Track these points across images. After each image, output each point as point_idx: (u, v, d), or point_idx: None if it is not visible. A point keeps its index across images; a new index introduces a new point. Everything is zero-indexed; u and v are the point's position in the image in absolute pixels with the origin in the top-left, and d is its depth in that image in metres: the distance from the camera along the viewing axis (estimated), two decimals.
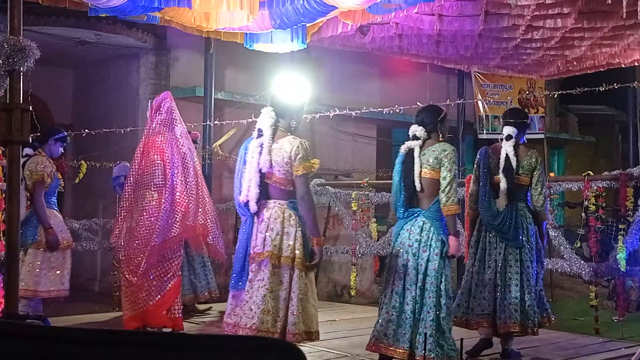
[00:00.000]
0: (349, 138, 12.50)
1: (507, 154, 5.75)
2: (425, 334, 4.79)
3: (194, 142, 7.91)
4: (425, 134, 5.12)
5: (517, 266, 5.59)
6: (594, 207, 7.05)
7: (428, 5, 7.87)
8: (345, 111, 8.86)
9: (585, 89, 7.67)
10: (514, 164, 5.72)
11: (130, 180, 5.96)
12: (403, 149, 5.17)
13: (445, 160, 4.99)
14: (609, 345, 6.20)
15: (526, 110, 12.95)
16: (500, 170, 5.75)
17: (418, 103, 8.04)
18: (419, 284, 4.90)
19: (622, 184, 6.85)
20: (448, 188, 4.93)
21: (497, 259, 5.65)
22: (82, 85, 11.63)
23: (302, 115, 5.14)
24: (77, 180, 9.12)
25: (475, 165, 5.98)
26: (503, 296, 5.56)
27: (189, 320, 7.55)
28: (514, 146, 5.77)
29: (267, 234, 4.56)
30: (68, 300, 7.34)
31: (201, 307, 8.02)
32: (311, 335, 4.64)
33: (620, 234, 6.88)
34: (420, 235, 4.97)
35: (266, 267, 4.51)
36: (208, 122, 9.62)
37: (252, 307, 4.45)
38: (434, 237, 4.96)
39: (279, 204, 4.65)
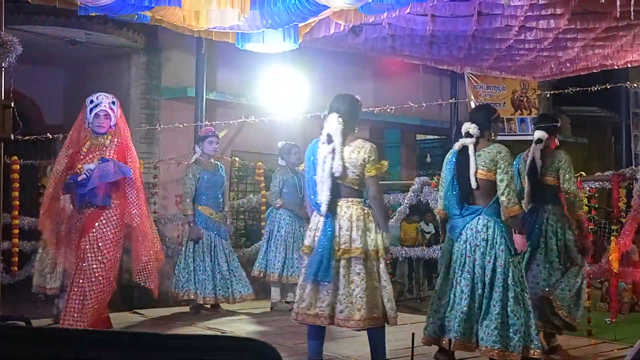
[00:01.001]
0: None
1: (533, 157, 5.96)
2: (492, 327, 5.00)
3: (207, 136, 7.98)
4: (479, 132, 5.25)
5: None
6: (587, 208, 7.03)
7: (420, 6, 7.85)
8: None
9: (578, 89, 7.66)
10: (538, 166, 5.91)
11: None
12: (457, 146, 5.33)
13: (501, 162, 5.14)
14: (602, 347, 6.17)
15: (519, 111, 12.99)
16: (525, 173, 6.00)
17: (410, 103, 8.04)
18: (487, 281, 5.08)
19: (614, 185, 6.84)
20: (507, 190, 5.10)
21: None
22: (73, 85, 11.57)
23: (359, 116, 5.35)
24: None
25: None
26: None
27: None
28: (542, 150, 5.99)
29: (352, 232, 4.90)
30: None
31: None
32: (395, 320, 5.07)
33: (613, 235, 6.86)
34: (486, 234, 5.12)
35: (359, 262, 4.88)
36: (199, 123, 9.57)
37: (354, 301, 4.83)
38: (498, 234, 5.12)
39: (356, 202, 4.98)
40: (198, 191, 7.85)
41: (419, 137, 14.92)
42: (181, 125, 8.96)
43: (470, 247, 5.14)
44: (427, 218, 12.02)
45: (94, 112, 5.80)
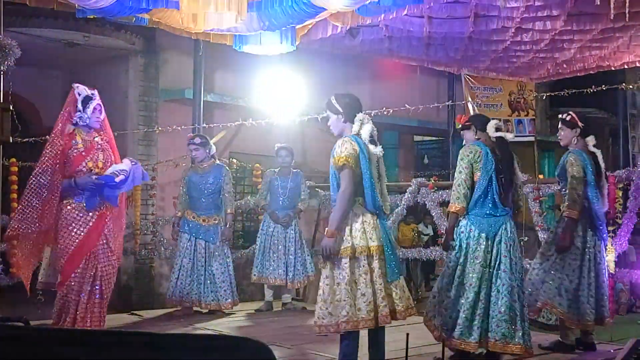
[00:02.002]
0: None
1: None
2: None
3: (191, 142, 7.96)
4: None
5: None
6: None
7: (417, 8, 7.87)
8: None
9: (574, 91, 7.68)
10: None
11: None
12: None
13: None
14: (598, 347, 6.18)
15: (516, 113, 13.01)
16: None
17: (406, 105, 8.06)
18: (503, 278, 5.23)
19: (611, 186, 6.85)
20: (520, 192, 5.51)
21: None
22: (71, 87, 11.58)
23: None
24: None
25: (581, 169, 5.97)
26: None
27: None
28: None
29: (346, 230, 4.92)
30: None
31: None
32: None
33: (609, 236, 6.87)
34: (513, 234, 5.32)
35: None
36: (197, 125, 9.58)
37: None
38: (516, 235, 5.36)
39: None
40: (187, 194, 7.90)
41: (417, 138, 14.93)
42: (179, 128, 8.96)
43: (506, 248, 5.26)
44: (426, 220, 12.03)
45: (91, 105, 5.46)
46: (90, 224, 5.32)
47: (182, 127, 9.05)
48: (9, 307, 6.82)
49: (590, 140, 6.13)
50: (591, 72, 10.86)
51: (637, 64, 10.64)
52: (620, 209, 7.05)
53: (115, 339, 1.61)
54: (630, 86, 8.37)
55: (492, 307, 5.19)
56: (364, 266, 4.80)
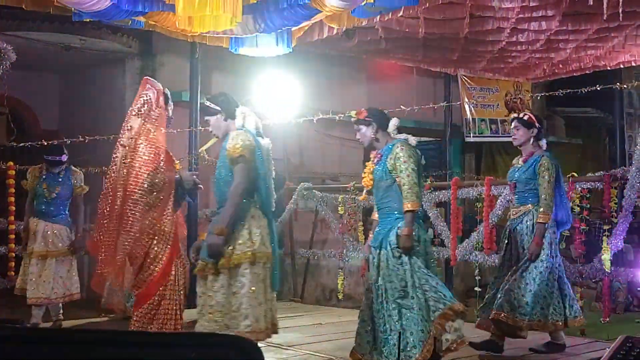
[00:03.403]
0: (335, 142, 12.51)
1: None
2: None
3: None
4: None
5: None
6: (579, 208, 7.08)
7: (413, 9, 7.89)
8: (329, 115, 8.87)
9: (569, 91, 7.70)
10: None
11: None
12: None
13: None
14: (594, 346, 6.22)
15: (512, 113, 13.02)
16: None
17: (402, 107, 8.08)
18: None
19: (606, 185, 6.88)
20: None
21: None
22: (68, 91, 11.60)
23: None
24: None
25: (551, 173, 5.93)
26: None
27: None
28: None
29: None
30: (79, 305, 7.45)
31: None
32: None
33: (605, 235, 6.90)
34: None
35: None
36: (194, 127, 9.60)
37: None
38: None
39: None
40: None
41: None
42: (175, 131, 8.97)
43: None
44: (426, 224, 11.98)
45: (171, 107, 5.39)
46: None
47: (179, 129, 9.06)
48: (6, 310, 6.84)
49: (544, 142, 6.06)
50: (587, 72, 10.87)
51: (633, 64, 10.67)
52: (616, 208, 7.07)
53: (107, 338, 1.63)
54: (625, 85, 8.38)
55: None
56: (262, 274, 4.53)
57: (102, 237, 4.76)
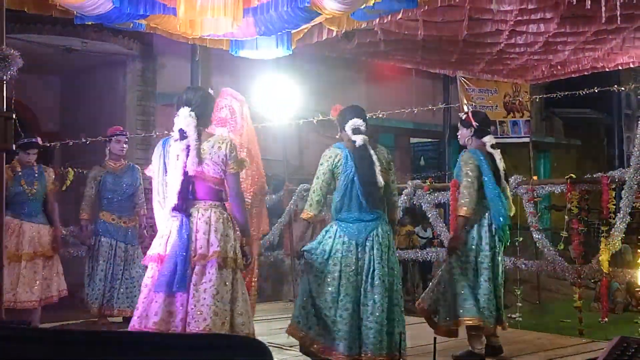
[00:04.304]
0: (334, 143, 12.53)
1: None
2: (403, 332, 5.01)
3: (113, 135, 7.79)
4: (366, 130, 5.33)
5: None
6: (577, 209, 7.12)
7: (412, 11, 7.93)
8: (329, 117, 8.90)
9: (567, 93, 7.75)
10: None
11: None
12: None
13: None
14: (592, 346, 6.26)
15: (511, 114, 13.08)
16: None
17: (402, 109, 8.13)
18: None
19: (604, 186, 6.92)
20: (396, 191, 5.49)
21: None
22: (69, 93, 11.64)
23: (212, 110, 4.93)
24: (64, 187, 9.13)
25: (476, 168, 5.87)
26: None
27: None
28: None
29: (210, 235, 4.45)
30: (56, 307, 7.38)
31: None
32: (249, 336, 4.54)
33: (603, 236, 6.94)
34: (385, 238, 5.10)
35: (212, 269, 4.40)
36: None
37: (202, 310, 4.33)
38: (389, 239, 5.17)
39: (215, 204, 4.56)
40: (100, 195, 7.66)
41: (413, 140, 14.99)
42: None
43: (379, 254, 4.99)
44: (424, 224, 12.05)
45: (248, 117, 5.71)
46: None
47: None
48: (10, 312, 6.85)
49: (488, 140, 6.04)
50: (585, 73, 10.93)
51: (631, 65, 10.72)
52: (614, 209, 7.11)
53: (114, 339, 1.66)
54: (623, 88, 8.42)
55: (367, 317, 4.90)
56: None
57: None
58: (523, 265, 7.73)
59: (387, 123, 11.52)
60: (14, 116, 4.13)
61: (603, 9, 6.34)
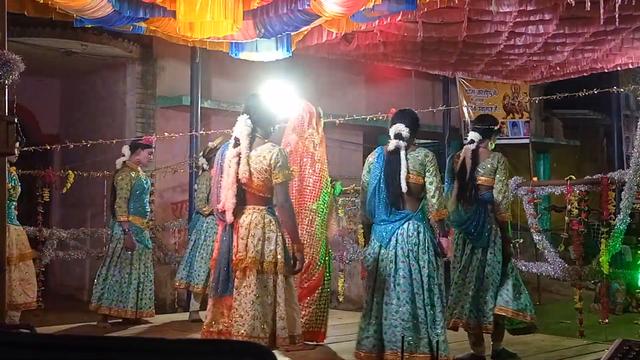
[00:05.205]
0: (335, 145, 12.54)
1: (464, 158, 5.87)
2: (438, 334, 4.84)
3: (147, 146, 7.79)
4: (409, 135, 5.17)
5: (478, 267, 5.67)
6: (577, 210, 7.13)
7: (411, 13, 7.95)
8: (329, 118, 8.91)
9: (566, 94, 7.76)
10: (468, 167, 5.82)
11: None
12: (388, 148, 5.25)
13: (429, 165, 5.09)
14: (592, 347, 6.26)
15: (510, 115, 13.09)
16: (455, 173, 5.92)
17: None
18: (425, 287, 4.93)
19: (603, 187, 6.93)
20: (437, 193, 5.05)
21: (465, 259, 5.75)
22: (69, 95, 11.65)
23: (276, 120, 5.11)
24: (64, 190, 9.16)
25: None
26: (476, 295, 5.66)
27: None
28: (472, 150, 5.88)
29: (248, 239, 4.58)
30: (56, 310, 7.39)
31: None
32: (295, 339, 4.71)
33: (603, 237, 6.95)
34: (413, 237, 4.99)
35: (251, 273, 4.53)
36: (195, 131, 9.65)
37: (242, 314, 4.48)
38: (428, 239, 5.02)
39: (258, 209, 4.67)
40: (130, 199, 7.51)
41: None
42: (177, 135, 9.02)
43: (403, 252, 4.96)
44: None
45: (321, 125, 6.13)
46: None
47: (180, 133, 9.11)
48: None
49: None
50: (584, 74, 10.94)
51: (630, 66, 10.73)
52: (614, 210, 7.12)
53: (117, 344, 1.66)
54: (622, 89, 8.44)
55: (392, 316, 4.89)
56: None
57: None
58: (523, 267, 7.73)
59: (386, 125, 11.43)
60: (15, 120, 4.14)
61: (602, 10, 6.36)
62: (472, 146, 5.90)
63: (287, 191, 4.77)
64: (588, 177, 7.23)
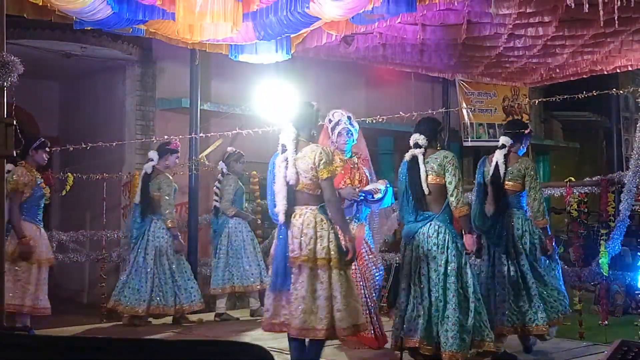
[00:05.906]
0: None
1: (496, 162, 5.91)
2: (452, 332, 5.23)
3: (175, 151, 8.02)
4: (426, 142, 5.57)
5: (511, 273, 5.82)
6: (576, 212, 7.13)
7: (411, 15, 7.94)
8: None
9: (566, 96, 7.76)
10: (501, 171, 5.87)
11: None
12: (407, 157, 5.69)
13: (449, 165, 5.45)
14: (592, 349, 6.27)
15: (510, 117, 13.08)
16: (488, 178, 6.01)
17: (400, 113, 8.14)
18: (441, 285, 5.35)
19: (603, 189, 6.94)
20: (456, 191, 5.39)
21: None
22: (69, 98, 11.65)
23: (317, 121, 5.40)
24: (64, 192, 9.15)
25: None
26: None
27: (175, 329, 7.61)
28: (504, 155, 5.94)
29: (301, 238, 4.88)
30: (56, 312, 7.38)
31: (192, 317, 8.06)
32: (359, 328, 5.02)
33: (603, 239, 6.95)
34: (437, 238, 5.41)
35: (305, 270, 4.85)
36: (194, 134, 9.64)
37: (296, 308, 4.83)
38: (449, 239, 5.40)
39: (310, 208, 4.97)
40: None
41: None
42: (176, 137, 9.02)
43: (423, 251, 5.38)
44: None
45: (336, 130, 6.33)
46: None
47: (180, 136, 9.10)
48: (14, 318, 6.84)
49: None
50: (584, 76, 10.94)
51: (629, 68, 10.74)
52: (614, 212, 7.12)
53: (117, 345, 1.66)
54: (621, 91, 8.44)
55: (417, 311, 5.42)
56: None
57: None
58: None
59: (386, 127, 11.49)
60: (14, 122, 4.13)
61: (601, 12, 6.36)
62: (504, 150, 5.96)
63: (332, 186, 5.01)
64: (587, 179, 7.23)
